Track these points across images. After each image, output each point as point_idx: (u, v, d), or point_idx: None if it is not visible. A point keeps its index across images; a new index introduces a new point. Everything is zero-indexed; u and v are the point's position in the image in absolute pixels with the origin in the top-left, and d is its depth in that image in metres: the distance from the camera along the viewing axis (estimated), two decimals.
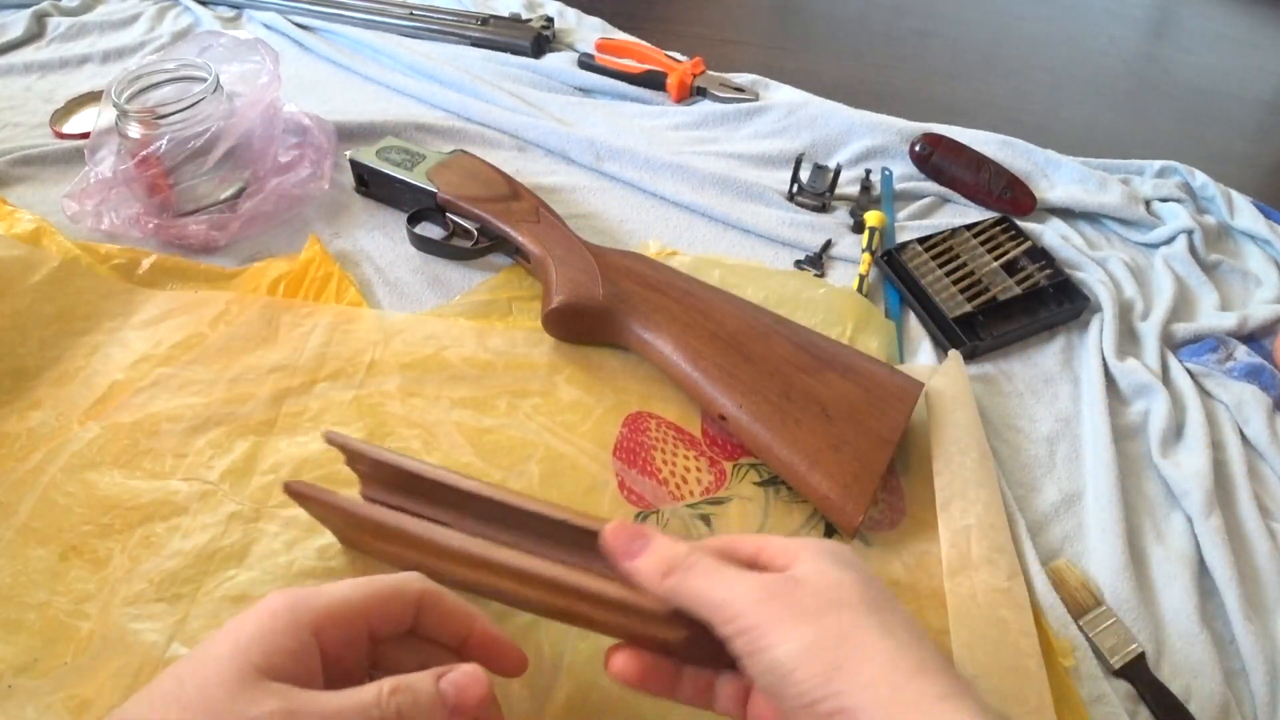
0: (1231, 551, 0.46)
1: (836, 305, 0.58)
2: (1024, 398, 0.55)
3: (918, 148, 0.72)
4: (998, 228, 0.64)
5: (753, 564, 0.31)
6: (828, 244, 0.65)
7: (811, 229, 0.66)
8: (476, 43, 0.86)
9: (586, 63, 0.82)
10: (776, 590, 0.28)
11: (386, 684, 0.27)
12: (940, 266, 0.61)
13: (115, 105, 0.57)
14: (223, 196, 0.62)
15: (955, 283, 0.60)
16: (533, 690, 0.38)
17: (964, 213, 0.70)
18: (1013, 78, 0.97)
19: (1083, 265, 0.63)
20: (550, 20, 0.88)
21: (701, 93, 0.80)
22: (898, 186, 0.71)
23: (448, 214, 0.61)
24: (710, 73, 0.81)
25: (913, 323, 0.59)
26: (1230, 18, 1.16)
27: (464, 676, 0.28)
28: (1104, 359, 0.56)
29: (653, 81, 0.81)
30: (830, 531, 0.46)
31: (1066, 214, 0.70)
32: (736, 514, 0.46)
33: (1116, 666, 0.41)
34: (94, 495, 0.45)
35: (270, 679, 0.26)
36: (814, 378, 0.49)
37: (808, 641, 0.26)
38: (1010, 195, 0.69)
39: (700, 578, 0.29)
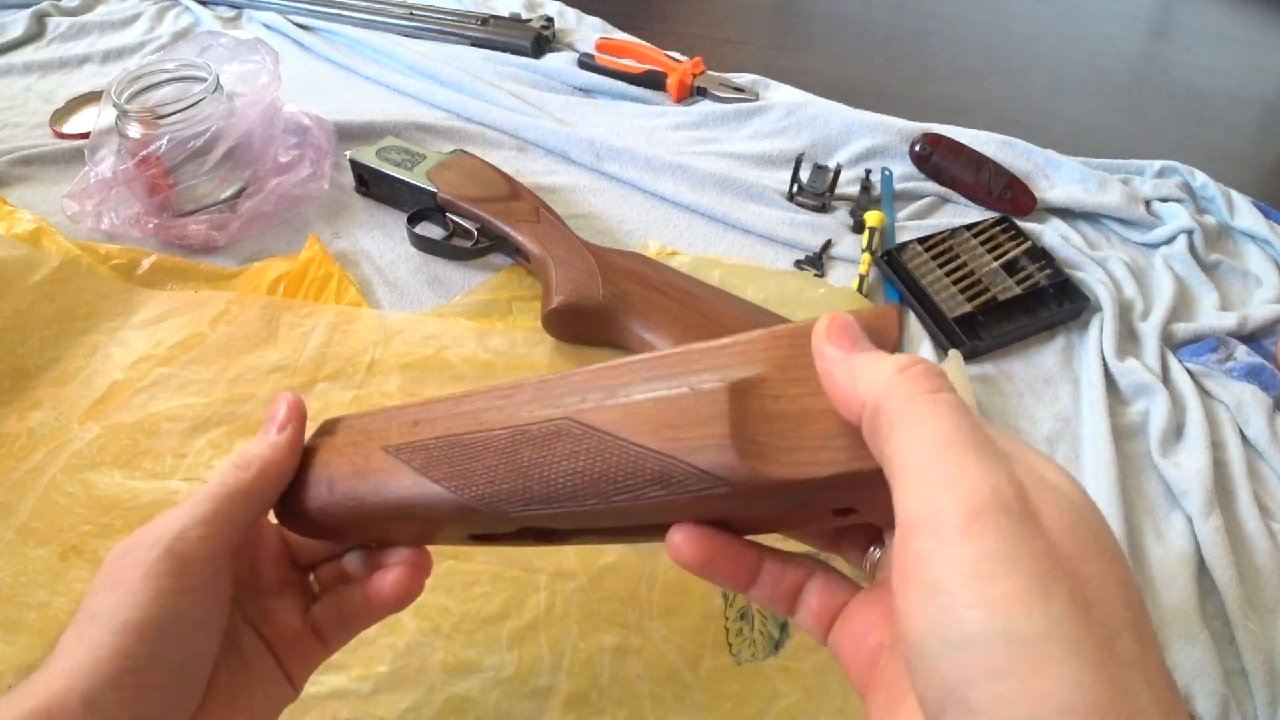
0: (1231, 551, 0.46)
1: (836, 305, 0.58)
2: (1024, 398, 0.55)
3: (918, 148, 0.72)
4: (998, 228, 0.64)
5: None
6: (828, 244, 0.65)
7: (811, 229, 0.66)
8: (476, 43, 0.86)
9: (586, 63, 0.82)
10: (1017, 495, 0.18)
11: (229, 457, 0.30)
12: (940, 266, 0.61)
13: (115, 105, 0.57)
14: (223, 196, 0.62)
15: (955, 283, 0.60)
16: (533, 690, 0.38)
17: (964, 213, 0.70)
18: (1013, 78, 0.97)
19: (1083, 265, 0.63)
20: (550, 20, 0.88)
21: (701, 93, 0.80)
22: (898, 186, 0.71)
23: (448, 214, 0.61)
24: (710, 73, 0.81)
25: (913, 323, 0.59)
26: (1230, 18, 1.16)
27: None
28: (1104, 359, 0.56)
29: (653, 81, 0.81)
30: None
31: (1066, 214, 0.70)
32: None
33: None
34: (94, 495, 0.45)
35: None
36: None
37: (1014, 628, 0.17)
38: (1010, 195, 0.69)
39: (944, 414, 0.20)
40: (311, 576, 0.33)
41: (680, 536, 0.25)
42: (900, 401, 0.20)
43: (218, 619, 0.27)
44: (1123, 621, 0.17)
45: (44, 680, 0.24)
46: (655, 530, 0.26)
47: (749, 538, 0.27)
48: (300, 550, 0.33)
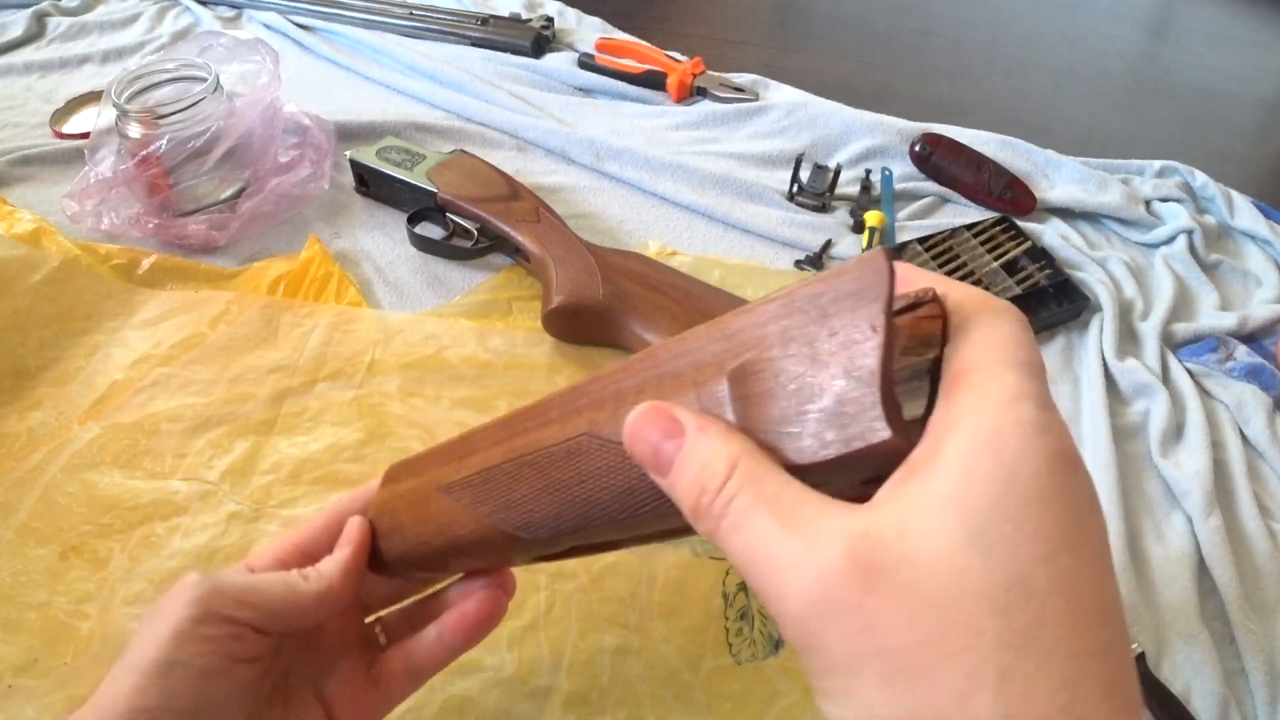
0: (1231, 551, 0.46)
1: None
2: None
3: (918, 148, 0.72)
4: (998, 228, 0.64)
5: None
6: (828, 244, 0.65)
7: (811, 229, 0.66)
8: (476, 43, 0.86)
9: (586, 63, 0.82)
10: (849, 593, 0.17)
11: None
12: (940, 266, 0.61)
13: (115, 105, 0.57)
14: (223, 196, 0.62)
15: None
16: (533, 690, 0.38)
17: (964, 213, 0.70)
18: (1013, 78, 0.97)
19: (1083, 265, 0.63)
20: (550, 20, 0.88)
21: (701, 93, 0.80)
22: (898, 186, 0.70)
23: (448, 214, 0.61)
24: (710, 73, 0.81)
25: None
26: (1230, 18, 1.16)
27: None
28: (1104, 359, 0.56)
29: (653, 81, 0.81)
30: None
31: (1066, 214, 0.70)
32: None
33: None
34: (94, 495, 0.45)
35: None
36: None
37: (893, 714, 0.16)
38: (1010, 195, 0.69)
39: (736, 534, 0.19)
40: (379, 628, 0.33)
41: None
42: (714, 542, 0.20)
43: (241, 671, 0.27)
44: (974, 678, 0.15)
45: (85, 709, 0.26)
46: None
47: None
48: (368, 592, 0.34)
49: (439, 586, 0.34)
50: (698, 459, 0.20)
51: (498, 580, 0.32)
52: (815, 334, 0.21)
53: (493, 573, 0.32)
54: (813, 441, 0.20)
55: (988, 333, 0.19)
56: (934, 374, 0.21)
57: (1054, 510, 0.16)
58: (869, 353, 0.19)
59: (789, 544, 0.18)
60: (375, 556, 0.32)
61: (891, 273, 0.20)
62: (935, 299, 0.21)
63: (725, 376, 0.22)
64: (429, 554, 0.30)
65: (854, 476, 0.21)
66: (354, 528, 0.31)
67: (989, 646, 0.15)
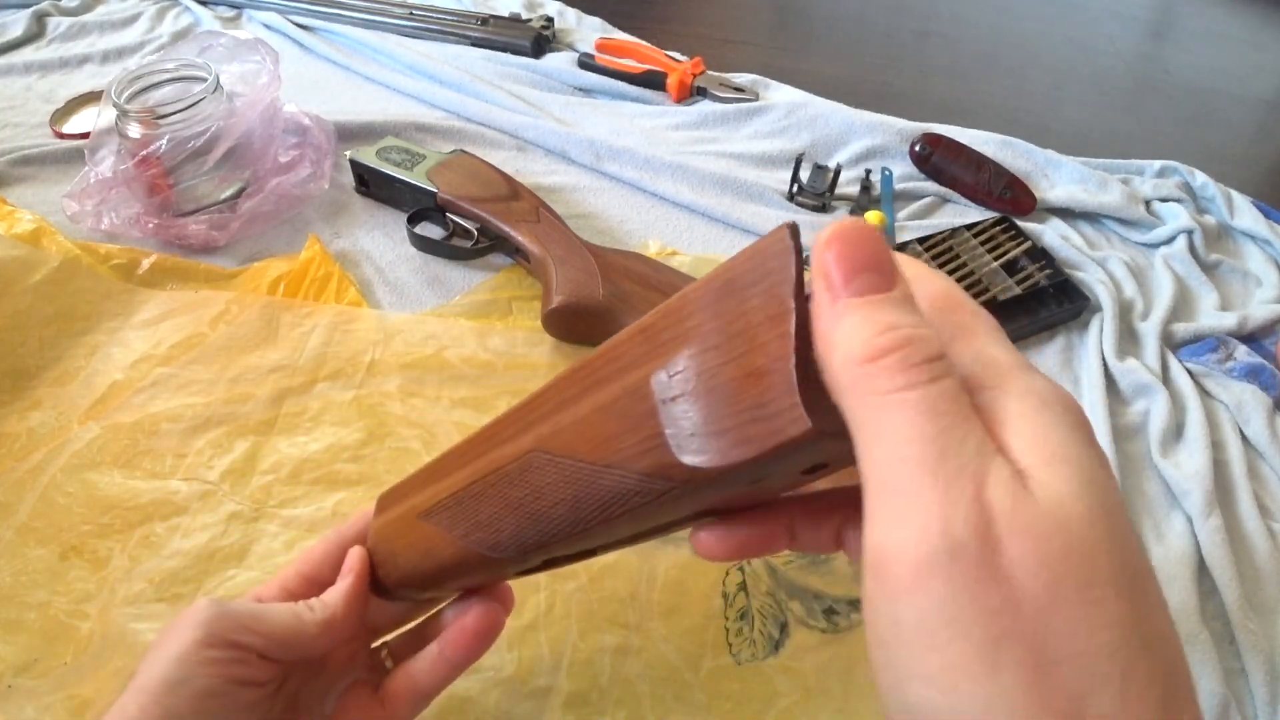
0: (1231, 551, 0.46)
1: None
2: None
3: (918, 148, 0.72)
4: (998, 228, 0.64)
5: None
6: None
7: (811, 229, 0.66)
8: (476, 43, 0.86)
9: (586, 63, 0.82)
10: (970, 562, 0.15)
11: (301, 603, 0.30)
12: (940, 266, 0.61)
13: (115, 105, 0.57)
14: (223, 196, 0.62)
15: (955, 283, 0.60)
16: (533, 690, 0.38)
17: (964, 213, 0.70)
18: (1013, 78, 0.97)
19: (1083, 265, 0.63)
20: (550, 20, 0.88)
21: (701, 93, 0.80)
22: (898, 186, 0.70)
23: (448, 214, 0.61)
24: (710, 73, 0.81)
25: None
26: (1230, 18, 1.16)
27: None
28: (1104, 359, 0.56)
29: (653, 81, 0.81)
30: None
31: (1066, 214, 0.70)
32: None
33: None
34: (94, 495, 0.45)
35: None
36: None
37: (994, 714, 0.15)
38: (1010, 195, 0.69)
39: (919, 421, 0.16)
40: (385, 652, 0.34)
41: (706, 537, 0.24)
42: (857, 402, 0.17)
43: (246, 694, 0.28)
44: (1101, 676, 0.14)
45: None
46: (658, 530, 0.25)
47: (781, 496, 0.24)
48: (375, 615, 0.34)
49: (441, 606, 0.34)
50: (911, 317, 0.17)
51: (494, 595, 0.32)
52: (730, 326, 0.19)
53: (489, 589, 0.32)
54: (738, 439, 0.19)
55: (970, 318, 0.19)
56: None
57: (1101, 455, 0.17)
58: (777, 341, 0.18)
59: (952, 475, 0.15)
60: (377, 582, 0.32)
61: (797, 250, 0.18)
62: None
63: (649, 380, 0.21)
64: (423, 577, 0.31)
65: (792, 467, 0.20)
66: (354, 558, 0.32)
67: (1118, 641, 0.15)
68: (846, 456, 0.18)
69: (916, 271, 0.20)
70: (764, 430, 0.18)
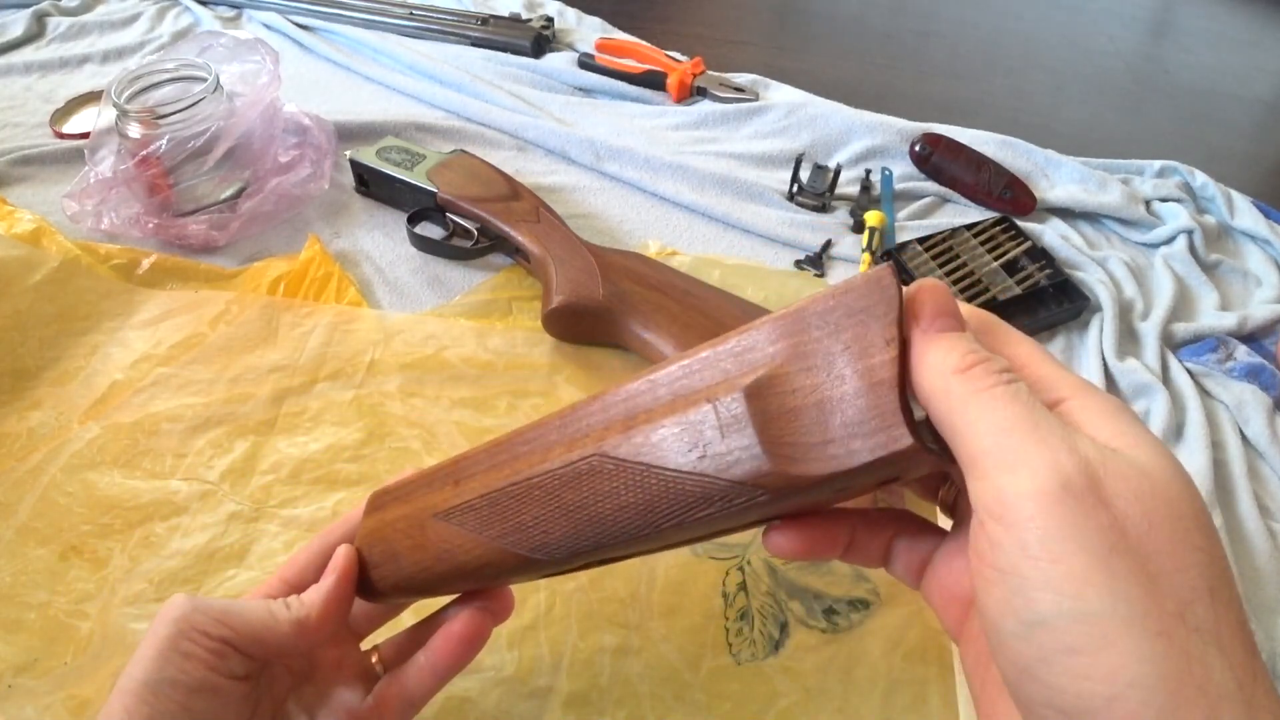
0: (1231, 551, 0.46)
1: None
2: None
3: (918, 148, 0.72)
4: (998, 228, 0.64)
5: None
6: (828, 244, 0.65)
7: (811, 229, 0.66)
8: (476, 43, 0.86)
9: (586, 63, 0.82)
10: (1103, 489, 0.18)
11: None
12: (940, 266, 0.61)
13: (115, 105, 0.57)
14: (223, 196, 0.62)
15: (955, 283, 0.60)
16: (533, 690, 0.38)
17: (964, 213, 0.70)
18: (1013, 78, 0.97)
19: (1083, 265, 0.63)
20: (550, 20, 0.88)
21: (701, 93, 0.80)
22: (898, 186, 0.71)
23: (448, 214, 0.61)
24: (710, 73, 0.81)
25: None
26: (1230, 18, 1.16)
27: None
28: (1104, 359, 0.56)
29: (653, 81, 0.81)
30: None
31: (1066, 214, 0.70)
32: None
33: None
34: (94, 495, 0.45)
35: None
36: None
37: (1114, 614, 0.17)
38: (1010, 195, 0.69)
39: (996, 406, 0.20)
40: (375, 658, 0.33)
41: (779, 537, 0.26)
42: (959, 399, 0.20)
43: (227, 687, 0.28)
44: (1196, 590, 0.17)
45: None
46: (722, 532, 0.26)
47: (840, 506, 0.27)
48: (357, 618, 0.34)
49: (438, 610, 0.33)
50: (980, 346, 0.21)
51: (486, 602, 0.32)
52: (829, 349, 0.22)
53: (486, 594, 0.32)
54: (841, 450, 0.21)
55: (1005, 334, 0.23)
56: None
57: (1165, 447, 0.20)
58: (885, 365, 0.21)
59: (1057, 431, 0.19)
60: (367, 584, 0.32)
61: (900, 288, 0.21)
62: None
63: (741, 392, 0.23)
64: (430, 579, 0.30)
65: (877, 479, 0.22)
66: (340, 557, 0.31)
67: (1204, 564, 0.18)
68: (918, 469, 0.22)
69: (969, 310, 0.24)
70: (873, 443, 0.21)
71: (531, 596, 0.42)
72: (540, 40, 0.86)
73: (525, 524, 0.27)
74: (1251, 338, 0.60)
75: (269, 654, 0.29)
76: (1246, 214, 0.70)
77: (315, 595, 0.30)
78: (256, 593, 0.32)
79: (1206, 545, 0.18)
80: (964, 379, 0.20)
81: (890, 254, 0.62)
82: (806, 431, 0.22)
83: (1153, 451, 0.19)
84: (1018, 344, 0.23)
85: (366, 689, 0.32)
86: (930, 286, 0.22)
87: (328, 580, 0.31)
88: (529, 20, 0.88)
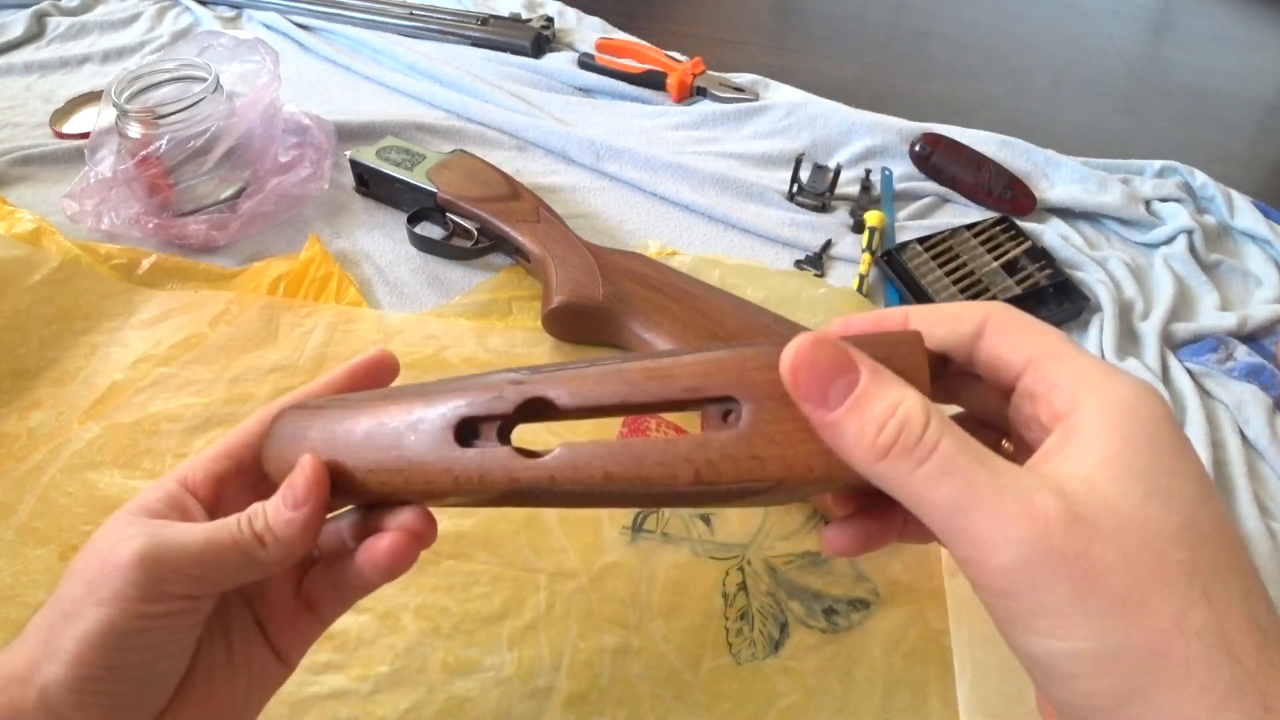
0: None
1: (836, 305, 0.58)
2: None
3: (918, 148, 0.72)
4: (998, 228, 0.64)
5: (1009, 387, 0.23)
6: (828, 244, 0.65)
7: (811, 229, 0.66)
8: (476, 43, 0.86)
9: (586, 63, 0.82)
10: (1073, 540, 0.18)
11: (244, 513, 0.27)
12: (940, 266, 0.61)
13: (115, 105, 0.57)
14: (223, 196, 0.62)
15: (955, 283, 0.60)
16: (533, 690, 0.38)
17: (964, 213, 0.70)
18: (1013, 78, 0.97)
19: (1083, 265, 0.63)
20: (550, 20, 0.88)
21: (701, 93, 0.80)
22: (898, 186, 0.71)
23: (448, 214, 0.61)
24: (710, 73, 0.81)
25: None
26: (1230, 18, 1.16)
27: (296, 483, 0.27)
28: (1104, 359, 0.56)
29: (653, 81, 0.81)
30: None
31: (1066, 214, 0.70)
32: (736, 512, 0.46)
33: None
34: (94, 495, 0.45)
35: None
36: None
37: (1103, 648, 0.18)
38: (1010, 195, 0.69)
39: (943, 479, 0.19)
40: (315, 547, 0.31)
41: (833, 536, 0.26)
42: (895, 485, 0.20)
43: (190, 632, 0.26)
44: (1188, 598, 0.18)
45: (8, 662, 0.24)
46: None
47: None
48: None
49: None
50: (888, 398, 0.20)
51: (416, 525, 0.28)
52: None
53: (411, 510, 0.28)
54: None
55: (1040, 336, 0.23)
56: None
57: (1190, 460, 0.20)
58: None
59: (1005, 494, 0.19)
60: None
61: (926, 355, 0.22)
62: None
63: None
64: (387, 495, 0.28)
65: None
66: (315, 480, 0.27)
67: (1190, 574, 0.18)
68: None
69: (984, 306, 0.23)
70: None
71: (531, 596, 0.42)
72: (540, 40, 0.86)
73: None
74: (1251, 338, 0.60)
75: (242, 585, 0.28)
76: (1246, 214, 0.70)
77: (294, 531, 0.26)
78: (199, 467, 0.29)
79: (1189, 556, 0.18)
80: (888, 468, 0.20)
81: (890, 254, 0.62)
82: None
83: (1138, 479, 0.19)
84: (1026, 343, 0.22)
85: (298, 581, 0.30)
86: (800, 357, 0.21)
87: (304, 510, 0.27)
88: (529, 20, 0.88)
